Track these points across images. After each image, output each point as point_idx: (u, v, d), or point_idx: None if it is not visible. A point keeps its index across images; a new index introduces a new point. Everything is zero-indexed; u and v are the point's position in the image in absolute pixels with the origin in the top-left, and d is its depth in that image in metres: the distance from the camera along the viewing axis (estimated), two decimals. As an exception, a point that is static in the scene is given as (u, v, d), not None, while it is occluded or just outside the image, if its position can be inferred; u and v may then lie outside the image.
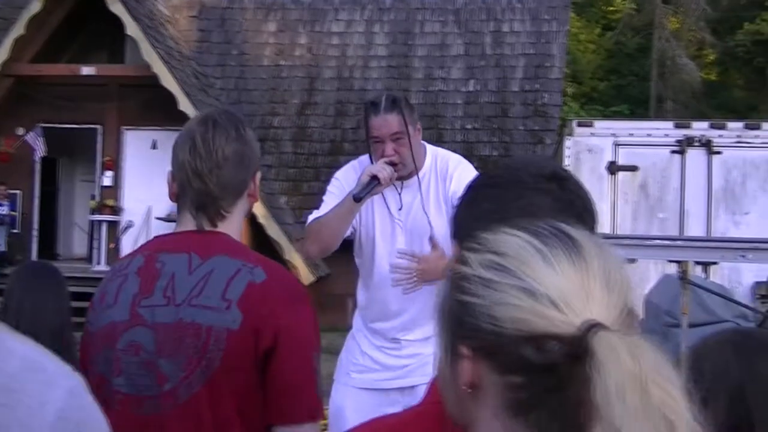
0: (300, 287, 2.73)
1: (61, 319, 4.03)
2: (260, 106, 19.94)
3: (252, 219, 16.47)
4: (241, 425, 2.53)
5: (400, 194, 4.52)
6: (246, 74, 20.56)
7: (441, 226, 4.31)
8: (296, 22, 21.17)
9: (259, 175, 2.84)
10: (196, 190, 2.68)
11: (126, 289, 2.64)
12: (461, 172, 4.53)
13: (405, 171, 4.49)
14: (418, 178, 4.55)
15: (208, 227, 2.69)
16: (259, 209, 16.52)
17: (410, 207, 4.52)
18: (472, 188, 1.78)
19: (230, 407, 2.52)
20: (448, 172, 4.55)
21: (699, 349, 2.81)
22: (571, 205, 1.69)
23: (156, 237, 2.86)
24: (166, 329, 2.55)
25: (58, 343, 3.37)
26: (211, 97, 18.97)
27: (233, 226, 2.75)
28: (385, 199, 4.54)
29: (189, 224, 2.72)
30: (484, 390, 1.31)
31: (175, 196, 2.77)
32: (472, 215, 1.72)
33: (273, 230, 16.77)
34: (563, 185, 1.72)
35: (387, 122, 4.43)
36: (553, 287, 1.25)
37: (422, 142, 4.67)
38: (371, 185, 4.33)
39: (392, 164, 4.40)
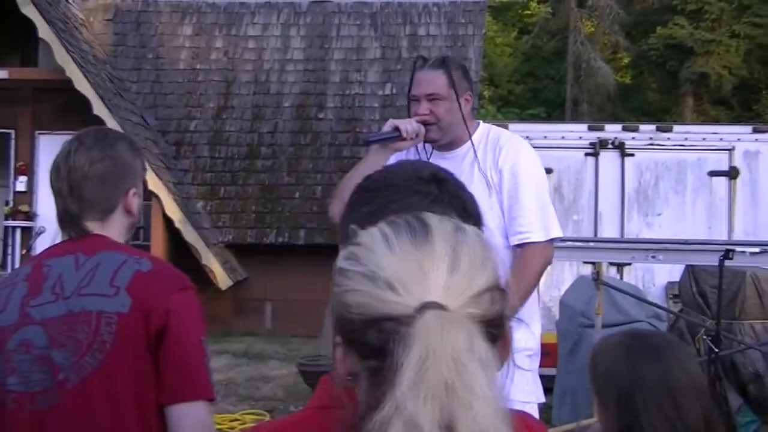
0: (184, 276, 2.81)
1: None
2: (176, 110, 19.78)
3: (169, 223, 16.33)
4: (135, 407, 2.60)
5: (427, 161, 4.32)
6: (162, 78, 20.36)
7: (485, 204, 3.45)
8: (212, 26, 21.01)
9: (133, 191, 2.91)
10: (60, 208, 2.86)
11: (14, 296, 2.72)
12: (512, 144, 4.23)
13: (440, 135, 4.18)
14: (472, 148, 4.20)
15: None
16: (175, 214, 16.40)
17: None
18: (353, 193, 1.80)
19: (124, 389, 2.59)
20: (498, 143, 4.23)
21: (596, 350, 2.85)
22: (449, 206, 1.70)
23: (44, 249, 2.93)
24: (57, 322, 2.62)
25: None
26: (126, 101, 18.76)
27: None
28: None
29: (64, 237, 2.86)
30: (359, 378, 1.33)
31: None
32: (352, 219, 1.72)
33: (189, 235, 16.61)
34: (441, 186, 1.73)
35: (427, 78, 4.15)
36: (391, 270, 1.27)
37: (477, 121, 4.41)
38: (390, 135, 4.06)
39: (425, 124, 4.11)
